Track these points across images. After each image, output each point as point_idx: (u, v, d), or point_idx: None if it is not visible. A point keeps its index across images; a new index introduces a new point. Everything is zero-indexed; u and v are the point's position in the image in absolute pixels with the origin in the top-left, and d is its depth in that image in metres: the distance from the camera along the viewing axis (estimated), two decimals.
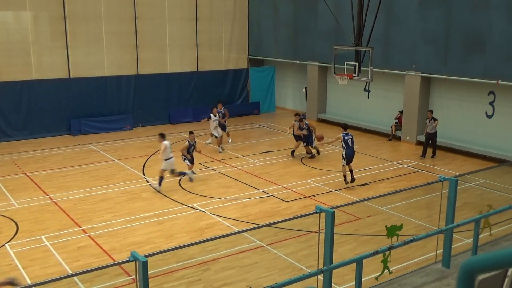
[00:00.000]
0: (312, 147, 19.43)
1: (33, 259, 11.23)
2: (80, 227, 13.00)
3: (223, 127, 21.06)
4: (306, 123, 19.28)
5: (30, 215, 13.76)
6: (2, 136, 21.67)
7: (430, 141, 19.44)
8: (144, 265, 6.40)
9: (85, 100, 23.46)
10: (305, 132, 19.12)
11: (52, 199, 14.89)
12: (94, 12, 23.30)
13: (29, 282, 10.24)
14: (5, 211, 13.84)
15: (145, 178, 16.92)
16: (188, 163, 16.56)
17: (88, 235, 12.49)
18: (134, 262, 6.49)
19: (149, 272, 6.48)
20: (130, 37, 24.29)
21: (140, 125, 24.69)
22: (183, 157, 16.61)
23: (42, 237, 12.32)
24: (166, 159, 15.52)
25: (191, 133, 16.93)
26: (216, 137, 20.32)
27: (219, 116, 20.67)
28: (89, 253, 11.56)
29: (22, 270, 10.78)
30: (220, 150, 20.07)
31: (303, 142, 19.36)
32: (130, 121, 24.40)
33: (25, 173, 17.29)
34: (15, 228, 12.91)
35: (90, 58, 23.49)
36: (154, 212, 13.96)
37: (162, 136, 15.64)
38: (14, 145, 21.15)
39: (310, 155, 19.39)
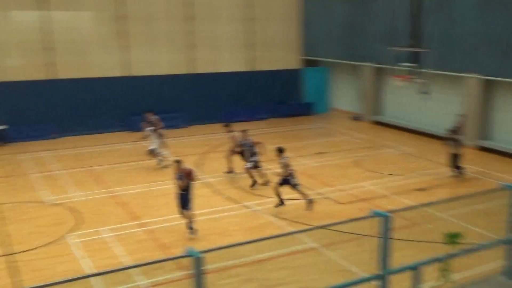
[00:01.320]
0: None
1: (93, 250, 11.64)
2: (138, 221, 13.37)
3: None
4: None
5: (92, 207, 14.27)
6: (67, 131, 22.57)
7: None
8: (199, 261, 6.48)
9: (143, 98, 24.09)
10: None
11: (112, 193, 15.39)
12: (152, 12, 23.92)
13: (88, 272, 10.65)
14: (69, 202, 14.41)
15: (201, 176, 17.19)
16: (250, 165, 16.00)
17: (147, 229, 12.83)
18: (189, 257, 6.61)
19: (203, 268, 6.59)
20: (186, 37, 24.76)
21: (195, 123, 25.09)
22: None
23: (103, 229, 12.76)
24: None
25: (244, 131, 16.76)
26: None
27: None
28: (146, 246, 11.88)
29: (83, 260, 11.20)
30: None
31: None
32: (184, 119, 24.83)
33: (88, 167, 17.92)
34: (78, 219, 13.43)
35: (147, 57, 24.13)
36: (210, 209, 14.18)
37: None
38: (77, 139, 21.99)
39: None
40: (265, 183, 16.03)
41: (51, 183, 16.33)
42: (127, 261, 11.16)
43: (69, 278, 8.83)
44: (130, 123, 23.63)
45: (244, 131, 16.66)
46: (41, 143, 21.33)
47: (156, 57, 24.37)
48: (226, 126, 17.63)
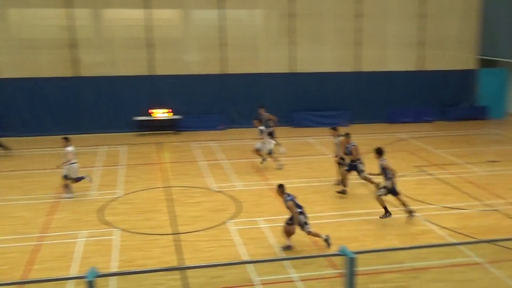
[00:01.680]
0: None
1: (250, 238, 12.09)
2: None
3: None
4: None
5: (251, 197, 14.86)
6: (232, 123, 23.84)
7: None
8: (352, 261, 6.33)
9: (306, 94, 24.43)
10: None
11: (271, 185, 15.85)
12: (319, 9, 24.05)
13: (246, 259, 11.09)
14: (230, 191, 15.17)
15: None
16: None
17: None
18: (342, 256, 6.49)
19: (356, 269, 6.42)
20: (351, 34, 24.46)
21: (356, 122, 24.71)
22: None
23: (259, 219, 13.19)
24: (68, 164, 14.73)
25: (347, 135, 15.34)
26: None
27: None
28: (299, 240, 11.99)
29: (240, 247, 11.69)
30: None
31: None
32: (346, 117, 24.60)
33: (250, 159, 18.69)
34: (238, 207, 14.08)
35: (312, 54, 24.36)
36: (365, 210, 13.84)
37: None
38: (241, 132, 23.08)
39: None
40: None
41: (216, 171, 17.34)
42: (280, 252, 11.38)
43: (227, 262, 9.23)
44: (292, 118, 24.12)
45: (347, 134, 15.29)
46: (210, 133, 22.82)
47: (321, 54, 24.51)
48: (334, 129, 16.17)
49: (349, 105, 24.85)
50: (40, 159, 18.93)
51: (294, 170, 17.53)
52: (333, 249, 10.79)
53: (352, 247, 10.98)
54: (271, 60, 24.31)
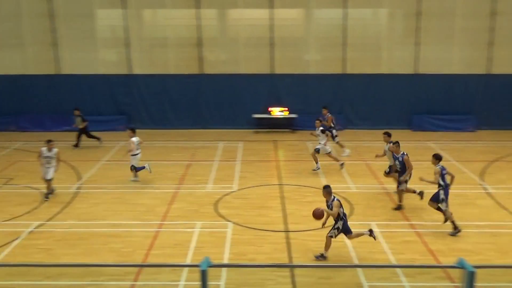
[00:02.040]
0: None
1: (361, 242, 11.76)
2: (408, 221, 13.02)
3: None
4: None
5: (364, 200, 14.51)
6: (348, 124, 23.45)
7: None
8: (472, 275, 5.92)
9: (429, 96, 23.29)
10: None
11: (385, 189, 15.35)
12: (449, 8, 22.75)
13: (356, 262, 10.84)
14: (343, 192, 14.92)
15: (483, 185, 15.78)
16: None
17: (416, 231, 12.40)
18: (460, 269, 6.08)
19: (475, 284, 5.97)
20: (483, 34, 22.81)
21: (484, 128, 23.06)
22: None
23: (373, 223, 12.81)
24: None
25: (396, 143, 13.98)
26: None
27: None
28: (414, 249, 11.48)
29: (351, 249, 11.45)
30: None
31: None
32: (472, 122, 23.08)
33: (365, 161, 18.27)
34: (350, 210, 13.81)
35: (438, 55, 23.14)
36: (489, 222, 12.89)
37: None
38: (357, 133, 22.64)
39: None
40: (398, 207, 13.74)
41: (330, 172, 17.12)
42: (395, 259, 10.98)
43: (337, 264, 9.10)
44: (411, 121, 23.18)
45: (396, 142, 13.97)
46: None
47: (448, 55, 23.19)
48: (387, 134, 15.17)
49: (477, 110, 23.24)
50: (163, 151, 20.07)
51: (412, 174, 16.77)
52: (451, 261, 10.17)
53: (473, 260, 10.30)
54: (393, 61, 23.53)
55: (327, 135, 17.34)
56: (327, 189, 11.08)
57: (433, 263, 10.72)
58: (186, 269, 10.51)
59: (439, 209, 12.23)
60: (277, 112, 23.23)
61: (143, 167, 16.08)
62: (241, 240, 12.03)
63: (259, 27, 23.41)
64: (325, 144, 17.02)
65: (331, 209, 10.85)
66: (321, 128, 17.30)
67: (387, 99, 23.36)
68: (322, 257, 11.00)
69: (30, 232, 12.54)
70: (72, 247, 11.72)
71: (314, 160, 17.08)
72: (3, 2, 23.13)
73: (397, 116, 23.39)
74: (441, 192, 12.11)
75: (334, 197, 11.04)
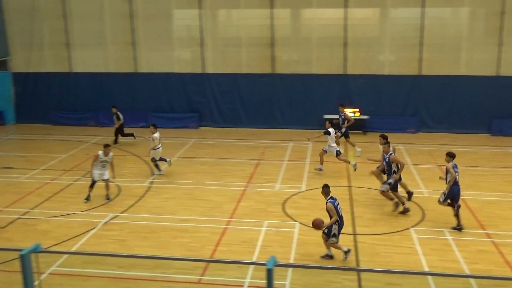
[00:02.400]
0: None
1: (433, 249, 11.40)
2: (484, 230, 12.43)
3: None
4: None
5: (436, 206, 13.95)
6: (423, 127, 22.70)
7: None
8: None
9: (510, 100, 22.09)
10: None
11: (462, 196, 14.72)
12: None
13: (426, 270, 10.48)
14: (415, 197, 14.42)
15: None
16: None
17: (492, 241, 11.81)
18: None
19: None
20: None
21: None
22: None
23: (445, 230, 12.34)
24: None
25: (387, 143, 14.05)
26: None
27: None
28: (489, 259, 10.95)
29: (421, 256, 11.09)
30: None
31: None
32: None
33: (439, 165, 17.63)
34: (421, 215, 13.36)
35: None
36: None
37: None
38: (432, 136, 21.87)
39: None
40: (402, 209, 13.37)
41: (404, 177, 16.61)
42: (469, 269, 10.52)
43: (407, 270, 8.82)
44: (490, 125, 22.09)
45: (387, 142, 14.01)
46: (398, 135, 21.79)
47: None
48: (382, 137, 14.59)
49: None
50: (232, 149, 20.31)
51: (489, 181, 16.02)
52: None
53: None
54: (473, 62, 22.46)
55: (336, 136, 17.40)
56: (325, 189, 11.17)
57: (510, 275, 10.16)
58: (252, 266, 10.58)
59: (450, 204, 12.53)
60: (348, 113, 22.85)
61: (165, 159, 17.10)
62: (307, 241, 11.96)
63: (332, 26, 23.15)
64: (336, 144, 16.96)
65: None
66: (330, 129, 16.95)
67: (465, 101, 22.38)
68: (328, 256, 11.11)
69: (105, 223, 13.11)
70: (144, 240, 12.13)
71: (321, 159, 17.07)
72: (89, 4, 24.31)
73: (475, 119, 22.35)
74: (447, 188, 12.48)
75: (330, 198, 10.95)
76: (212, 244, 11.85)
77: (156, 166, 16.97)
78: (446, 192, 12.46)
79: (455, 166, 12.50)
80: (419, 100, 22.85)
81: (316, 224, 10.73)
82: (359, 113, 22.72)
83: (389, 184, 13.41)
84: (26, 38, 25.05)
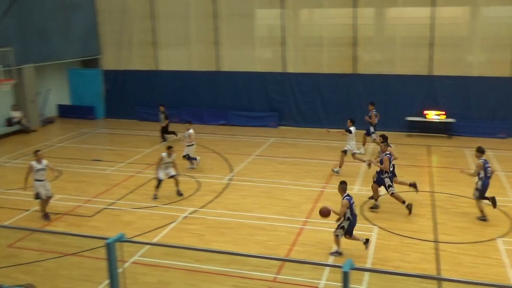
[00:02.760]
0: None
1: None
2: None
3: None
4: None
5: None
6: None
7: None
8: None
9: None
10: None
11: None
12: None
13: None
14: (503, 206, 13.65)
15: None
16: None
17: None
18: None
19: None
20: None
21: None
22: None
23: None
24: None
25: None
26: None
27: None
28: None
29: (508, 269, 10.47)
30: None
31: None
32: None
33: None
34: (510, 225, 12.61)
35: None
36: None
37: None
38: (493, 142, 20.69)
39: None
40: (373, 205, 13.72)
41: (493, 183, 15.77)
42: None
43: (491, 282, 8.36)
44: None
45: (384, 142, 14.01)
46: (487, 140, 20.66)
47: None
48: (383, 137, 14.46)
49: None
50: (311, 149, 20.19)
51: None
52: None
53: None
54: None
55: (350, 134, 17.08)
56: (341, 185, 11.34)
57: None
58: (327, 268, 10.47)
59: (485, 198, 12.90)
60: (433, 115, 22.02)
61: (195, 158, 17.44)
62: (386, 246, 11.65)
63: (418, 26, 22.34)
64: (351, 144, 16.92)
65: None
66: (350, 128, 16.88)
67: None
68: (337, 253, 11.13)
69: (185, 217, 13.48)
70: (221, 235, 12.34)
71: (340, 163, 16.91)
72: (175, 4, 25.12)
73: None
74: (479, 183, 12.82)
75: (347, 195, 11.09)
76: (288, 243, 11.85)
77: (190, 159, 17.41)
78: (480, 188, 12.81)
79: (486, 162, 12.88)
80: (511, 104, 21.57)
81: (323, 213, 10.92)
82: (444, 116, 21.83)
83: (390, 186, 13.45)
84: (116, 38, 26.34)
